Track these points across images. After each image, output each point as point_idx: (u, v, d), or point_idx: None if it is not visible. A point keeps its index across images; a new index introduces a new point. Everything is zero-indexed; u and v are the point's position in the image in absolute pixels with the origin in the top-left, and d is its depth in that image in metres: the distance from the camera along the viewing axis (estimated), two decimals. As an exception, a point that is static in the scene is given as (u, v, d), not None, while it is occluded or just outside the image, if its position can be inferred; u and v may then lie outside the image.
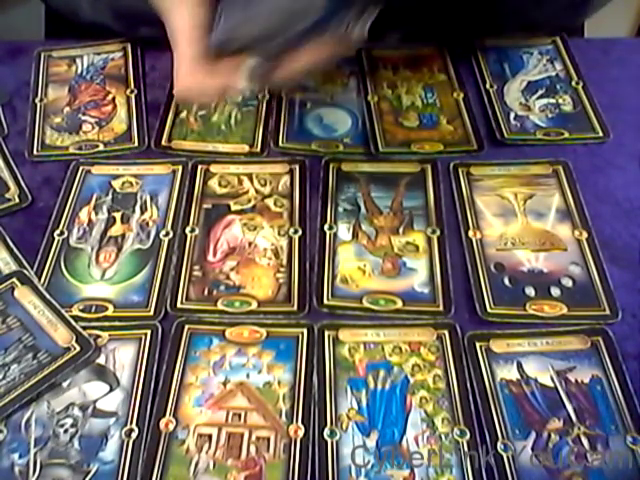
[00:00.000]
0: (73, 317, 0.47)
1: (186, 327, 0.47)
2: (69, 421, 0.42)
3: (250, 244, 0.52)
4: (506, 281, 0.49)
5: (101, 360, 0.45)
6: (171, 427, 0.42)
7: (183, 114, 0.62)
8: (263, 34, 0.41)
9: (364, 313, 0.48)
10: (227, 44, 0.42)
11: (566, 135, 0.58)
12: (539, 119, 0.60)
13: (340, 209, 0.54)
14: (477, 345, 0.46)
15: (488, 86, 0.62)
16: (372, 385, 0.44)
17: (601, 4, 0.66)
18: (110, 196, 0.55)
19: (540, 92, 0.62)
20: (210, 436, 0.42)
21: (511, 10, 0.61)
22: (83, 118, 0.62)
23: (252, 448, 0.41)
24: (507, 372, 0.44)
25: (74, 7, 0.66)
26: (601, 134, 0.58)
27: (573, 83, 0.63)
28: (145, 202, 0.55)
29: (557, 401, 0.43)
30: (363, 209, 0.54)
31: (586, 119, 0.60)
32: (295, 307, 0.48)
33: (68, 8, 0.67)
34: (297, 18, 0.41)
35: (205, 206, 0.55)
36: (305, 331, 0.46)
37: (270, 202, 0.55)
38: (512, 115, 0.60)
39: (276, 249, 0.51)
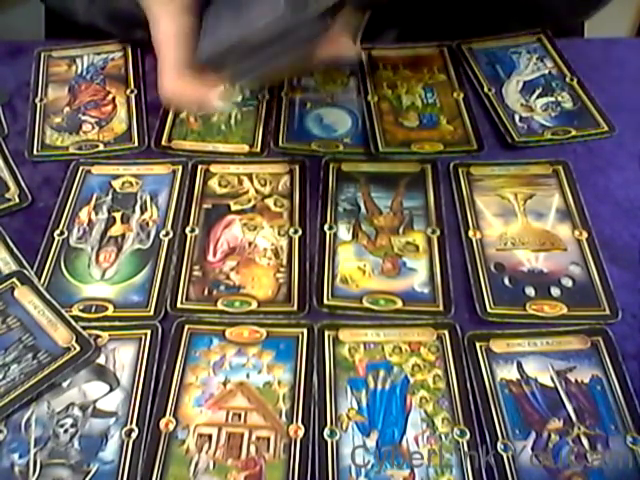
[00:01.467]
0: (73, 317, 0.47)
1: (186, 327, 0.47)
2: (69, 421, 0.42)
3: (250, 244, 0.52)
4: (506, 281, 0.49)
5: (101, 360, 0.45)
6: (171, 427, 0.42)
7: (183, 114, 0.62)
8: (249, 48, 0.41)
9: (364, 313, 0.48)
10: (213, 59, 0.42)
11: (574, 133, 0.58)
12: (544, 119, 0.60)
13: (340, 209, 0.54)
14: (477, 345, 0.46)
15: (486, 90, 0.62)
16: (372, 385, 0.44)
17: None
18: (110, 196, 0.55)
19: (538, 91, 0.62)
20: (210, 436, 0.42)
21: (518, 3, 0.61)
22: (83, 118, 0.62)
23: (252, 448, 0.41)
24: (507, 372, 0.44)
25: (70, 9, 0.66)
26: (607, 128, 0.59)
27: (567, 79, 0.63)
28: (145, 202, 0.55)
29: (557, 401, 0.43)
30: (363, 209, 0.54)
31: (589, 115, 0.60)
32: (295, 307, 0.48)
33: (64, 9, 0.67)
34: (284, 33, 0.40)
35: (205, 206, 0.55)
36: (305, 331, 0.46)
37: (270, 202, 0.55)
38: (517, 117, 0.60)
39: (276, 249, 0.51)
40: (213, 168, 0.57)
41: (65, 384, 0.44)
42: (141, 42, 0.66)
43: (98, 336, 0.46)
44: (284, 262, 0.50)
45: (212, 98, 0.43)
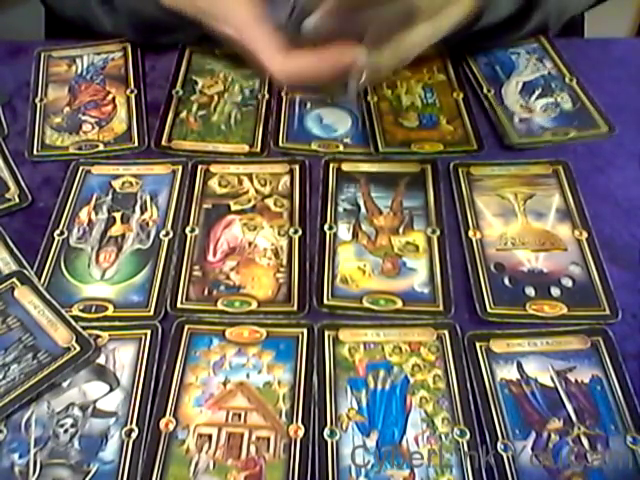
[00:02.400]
0: (73, 317, 0.47)
1: (186, 327, 0.47)
2: (69, 421, 0.42)
3: (250, 244, 0.52)
4: (506, 281, 0.49)
5: (101, 360, 0.45)
6: (171, 427, 0.42)
7: (183, 114, 0.62)
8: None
9: (364, 313, 0.48)
10: (322, 26, 0.38)
11: (573, 134, 0.58)
12: (543, 120, 0.60)
13: (340, 209, 0.54)
14: (477, 345, 0.46)
15: (485, 91, 0.62)
16: (372, 385, 0.44)
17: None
18: (110, 196, 0.55)
19: (537, 92, 0.62)
20: (210, 436, 0.42)
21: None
22: (83, 118, 0.62)
23: (252, 448, 0.41)
24: (507, 372, 0.44)
25: (91, 20, 0.65)
26: (607, 129, 0.59)
27: (567, 80, 0.63)
28: (145, 202, 0.55)
29: (557, 401, 0.43)
30: (363, 209, 0.54)
31: (589, 116, 0.60)
32: (295, 307, 0.48)
33: (83, 20, 0.67)
34: None
35: (205, 206, 0.55)
36: (305, 331, 0.46)
37: (270, 202, 0.55)
38: (516, 118, 0.60)
39: (276, 249, 0.51)
40: (213, 168, 0.57)
41: (65, 384, 0.44)
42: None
43: (98, 336, 0.46)
44: (284, 262, 0.50)
45: (355, 54, 0.38)
